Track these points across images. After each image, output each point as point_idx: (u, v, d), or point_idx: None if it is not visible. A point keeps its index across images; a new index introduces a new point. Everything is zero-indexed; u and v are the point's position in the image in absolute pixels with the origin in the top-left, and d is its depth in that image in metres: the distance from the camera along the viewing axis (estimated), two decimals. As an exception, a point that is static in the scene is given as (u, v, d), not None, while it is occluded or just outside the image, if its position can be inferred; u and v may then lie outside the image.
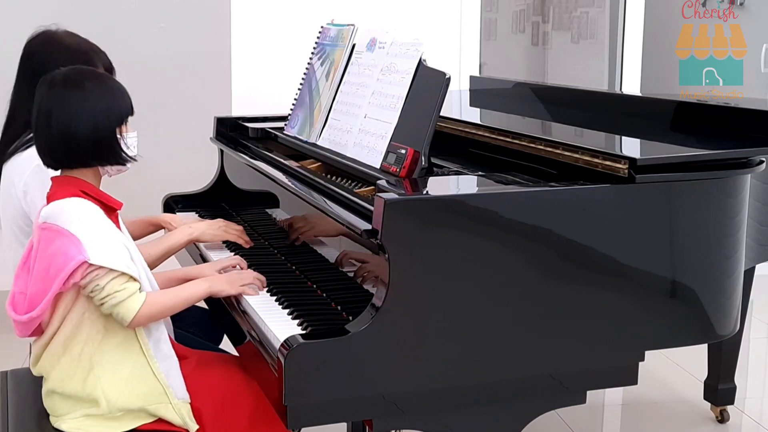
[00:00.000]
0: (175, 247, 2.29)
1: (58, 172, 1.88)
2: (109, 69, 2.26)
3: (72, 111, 1.79)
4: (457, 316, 1.73)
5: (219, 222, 2.40)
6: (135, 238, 2.07)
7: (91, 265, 1.74)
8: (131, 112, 1.88)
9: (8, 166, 2.18)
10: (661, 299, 1.91)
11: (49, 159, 1.85)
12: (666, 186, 1.88)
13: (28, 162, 2.12)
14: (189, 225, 2.36)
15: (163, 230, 2.50)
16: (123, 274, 1.77)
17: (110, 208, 1.87)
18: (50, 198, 1.82)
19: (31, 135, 2.16)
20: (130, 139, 1.87)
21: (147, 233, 2.50)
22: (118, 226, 1.88)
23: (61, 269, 1.73)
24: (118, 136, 1.84)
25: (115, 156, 1.85)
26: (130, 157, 1.87)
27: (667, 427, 3.23)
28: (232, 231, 2.37)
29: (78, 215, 1.77)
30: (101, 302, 1.77)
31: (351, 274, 1.96)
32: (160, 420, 1.85)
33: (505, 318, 1.77)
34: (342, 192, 1.97)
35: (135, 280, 1.79)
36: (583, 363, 1.86)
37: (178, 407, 1.85)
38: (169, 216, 2.55)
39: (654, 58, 4.99)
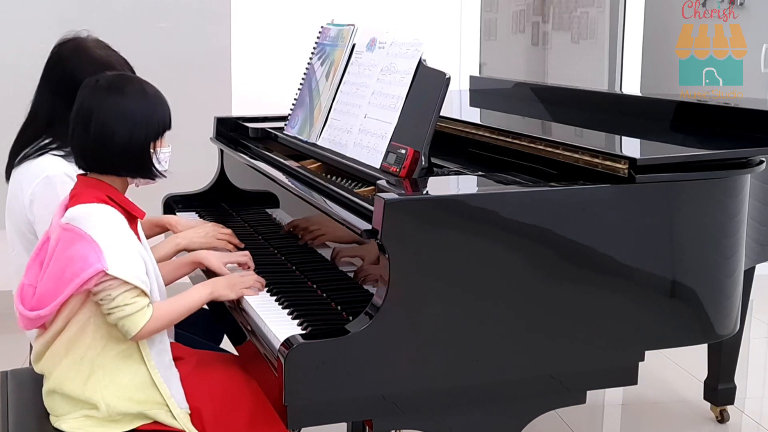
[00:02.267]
0: (165, 258, 2.27)
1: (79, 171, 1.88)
2: None
3: (112, 115, 1.79)
4: (457, 316, 1.73)
5: (207, 228, 2.38)
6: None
7: (107, 274, 1.73)
8: (169, 126, 1.88)
9: (19, 170, 2.16)
10: (661, 299, 1.91)
11: (81, 161, 1.85)
12: (666, 186, 1.88)
13: (38, 171, 2.10)
14: (176, 235, 2.34)
15: (167, 232, 2.49)
16: (135, 287, 1.76)
17: (132, 217, 1.87)
18: (75, 197, 1.82)
19: (47, 141, 2.15)
20: (163, 154, 1.87)
21: (152, 234, 2.48)
22: (137, 235, 1.88)
23: (77, 274, 1.72)
24: (152, 150, 1.83)
25: (145, 170, 1.84)
26: (160, 173, 1.87)
27: (667, 427, 3.23)
28: (220, 236, 2.34)
29: (102, 222, 1.77)
30: (109, 312, 1.76)
31: (351, 275, 1.96)
32: (158, 422, 1.85)
33: (505, 318, 1.77)
34: (342, 192, 1.97)
35: (146, 295, 1.79)
36: (583, 363, 1.86)
37: (178, 416, 1.85)
38: (174, 218, 2.52)
39: (654, 58, 4.99)
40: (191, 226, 2.42)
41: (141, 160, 1.83)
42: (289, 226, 2.39)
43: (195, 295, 1.93)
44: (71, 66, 2.16)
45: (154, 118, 1.84)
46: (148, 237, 2.36)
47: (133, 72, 2.25)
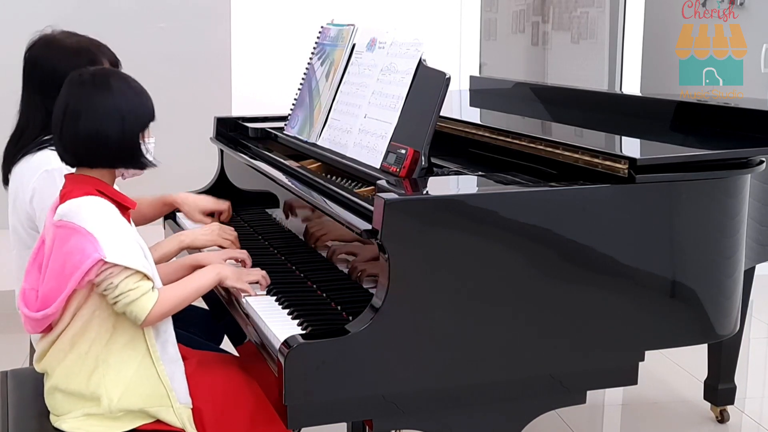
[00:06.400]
0: (168, 256, 2.27)
1: (72, 169, 1.87)
2: (115, 62, 2.26)
3: (102, 112, 1.79)
4: (457, 316, 1.73)
5: (213, 226, 2.37)
6: (150, 218, 2.08)
7: (106, 263, 1.74)
8: (153, 117, 1.88)
9: (19, 166, 2.17)
10: (661, 299, 1.91)
11: (71, 157, 1.85)
12: (666, 186, 1.88)
13: (37, 166, 2.11)
14: (180, 233, 2.34)
15: (175, 210, 2.60)
16: (137, 272, 1.77)
17: (124, 207, 1.87)
18: (65, 196, 1.82)
19: (43, 137, 2.15)
20: (150, 144, 1.87)
21: (162, 213, 2.59)
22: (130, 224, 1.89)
23: (77, 267, 1.73)
24: (141, 141, 1.84)
25: (137, 160, 1.85)
26: (150, 162, 1.87)
27: (667, 427, 3.23)
28: (226, 236, 2.33)
29: (94, 213, 1.77)
30: (114, 300, 1.77)
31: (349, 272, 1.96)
32: (159, 420, 1.85)
33: (505, 318, 1.77)
34: (342, 192, 1.97)
35: (148, 278, 1.79)
36: (583, 363, 1.86)
37: (179, 411, 1.85)
38: (182, 196, 2.59)
39: (654, 58, 4.99)
40: (198, 201, 2.55)
41: (133, 151, 1.84)
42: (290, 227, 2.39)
43: (202, 277, 1.94)
44: (48, 62, 2.17)
45: (141, 109, 1.85)
46: (158, 215, 2.56)
47: (112, 53, 2.27)
